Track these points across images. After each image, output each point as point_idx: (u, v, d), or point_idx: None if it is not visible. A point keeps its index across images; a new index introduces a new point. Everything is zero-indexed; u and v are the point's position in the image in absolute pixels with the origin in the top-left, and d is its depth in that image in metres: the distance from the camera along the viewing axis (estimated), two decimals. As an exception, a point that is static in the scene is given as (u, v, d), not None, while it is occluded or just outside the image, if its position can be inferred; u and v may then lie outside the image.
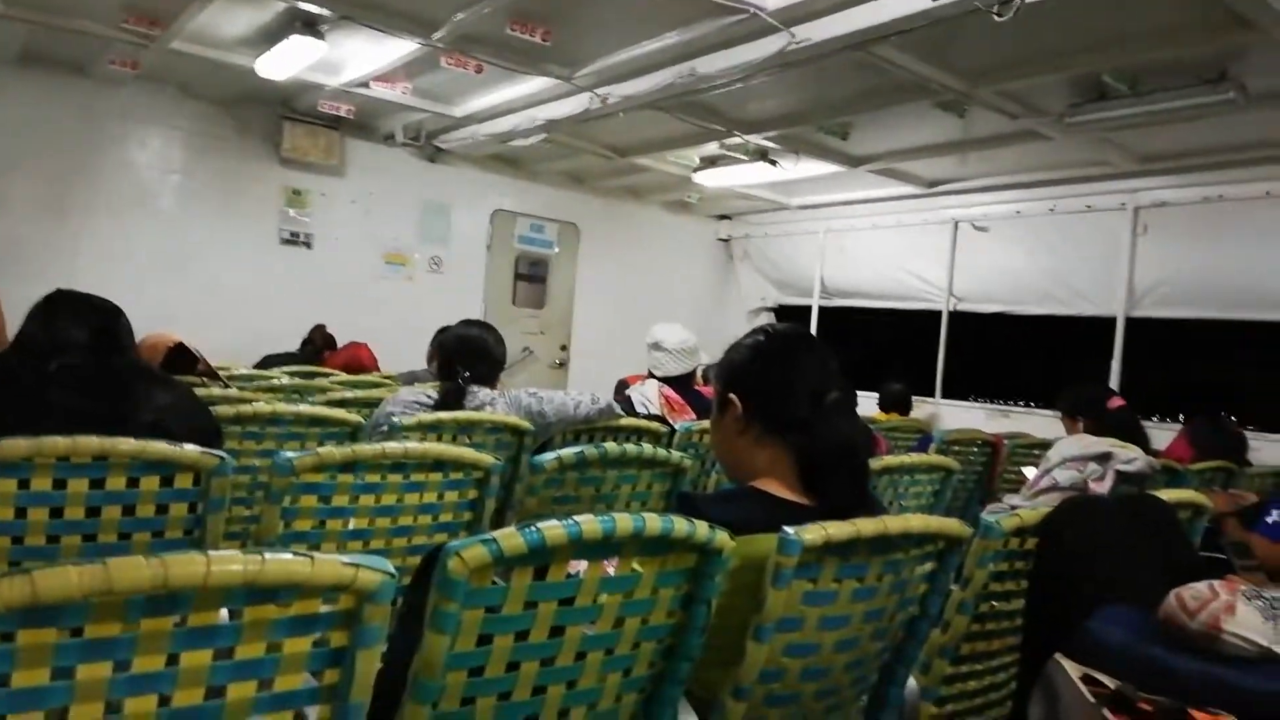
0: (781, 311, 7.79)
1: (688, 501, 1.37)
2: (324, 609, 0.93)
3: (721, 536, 1.22)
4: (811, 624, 1.34)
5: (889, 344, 6.87)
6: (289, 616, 0.91)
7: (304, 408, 2.36)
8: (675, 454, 2.11)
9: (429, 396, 2.58)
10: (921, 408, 6.05)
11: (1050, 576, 1.57)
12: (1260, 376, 4.16)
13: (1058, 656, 1.17)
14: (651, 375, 3.49)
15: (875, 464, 2.40)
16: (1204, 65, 3.55)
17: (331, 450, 1.65)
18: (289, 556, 0.87)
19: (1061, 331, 5.74)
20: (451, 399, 2.55)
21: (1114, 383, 5.25)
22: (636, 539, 1.14)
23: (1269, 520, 2.71)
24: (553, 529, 1.06)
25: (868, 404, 5.55)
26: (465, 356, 2.65)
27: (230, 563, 0.84)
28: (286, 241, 6.02)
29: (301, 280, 6.00)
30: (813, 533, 1.25)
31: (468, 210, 6.66)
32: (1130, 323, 5.29)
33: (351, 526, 1.74)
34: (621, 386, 4.51)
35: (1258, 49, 3.29)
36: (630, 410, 3.16)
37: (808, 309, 7.24)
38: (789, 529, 1.25)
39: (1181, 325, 5.19)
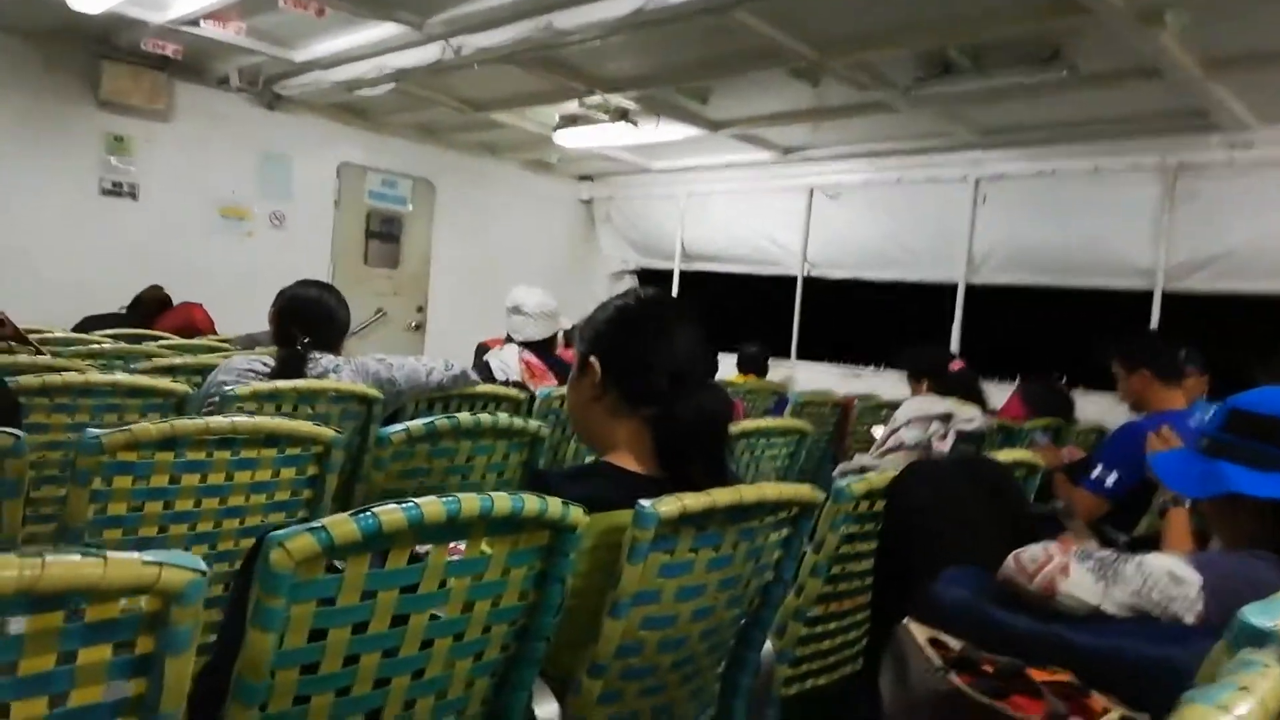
0: (643, 275, 7.80)
1: (540, 479, 1.31)
2: (125, 613, 0.83)
3: (575, 512, 1.17)
4: (668, 595, 1.32)
5: (747, 307, 7.00)
6: (82, 624, 0.80)
7: (121, 377, 2.14)
8: (532, 423, 2.04)
9: (265, 364, 2.40)
10: (778, 369, 6.20)
11: (897, 537, 1.61)
12: (1085, 339, 4.48)
13: (906, 621, 1.19)
14: (511, 340, 3.39)
15: (733, 428, 2.41)
16: (1040, 44, 3.72)
17: (147, 426, 1.49)
18: (76, 558, 0.76)
19: (908, 296, 6.00)
20: (290, 367, 2.38)
21: (954, 345, 5.53)
22: (484, 520, 1.07)
23: (1093, 476, 2.90)
24: (390, 514, 0.98)
25: (726, 365, 5.63)
26: (304, 321, 2.48)
27: (3, 568, 0.73)
28: (108, 192, 5.51)
29: (126, 235, 5.52)
30: (668, 505, 1.22)
31: (312, 162, 6.29)
32: (970, 288, 5.57)
33: (176, 508, 1.59)
34: (482, 350, 4.39)
35: (1089, 32, 3.46)
36: (489, 377, 3.07)
37: (669, 273, 7.27)
38: (644, 502, 1.21)
39: (1016, 291, 5.50)
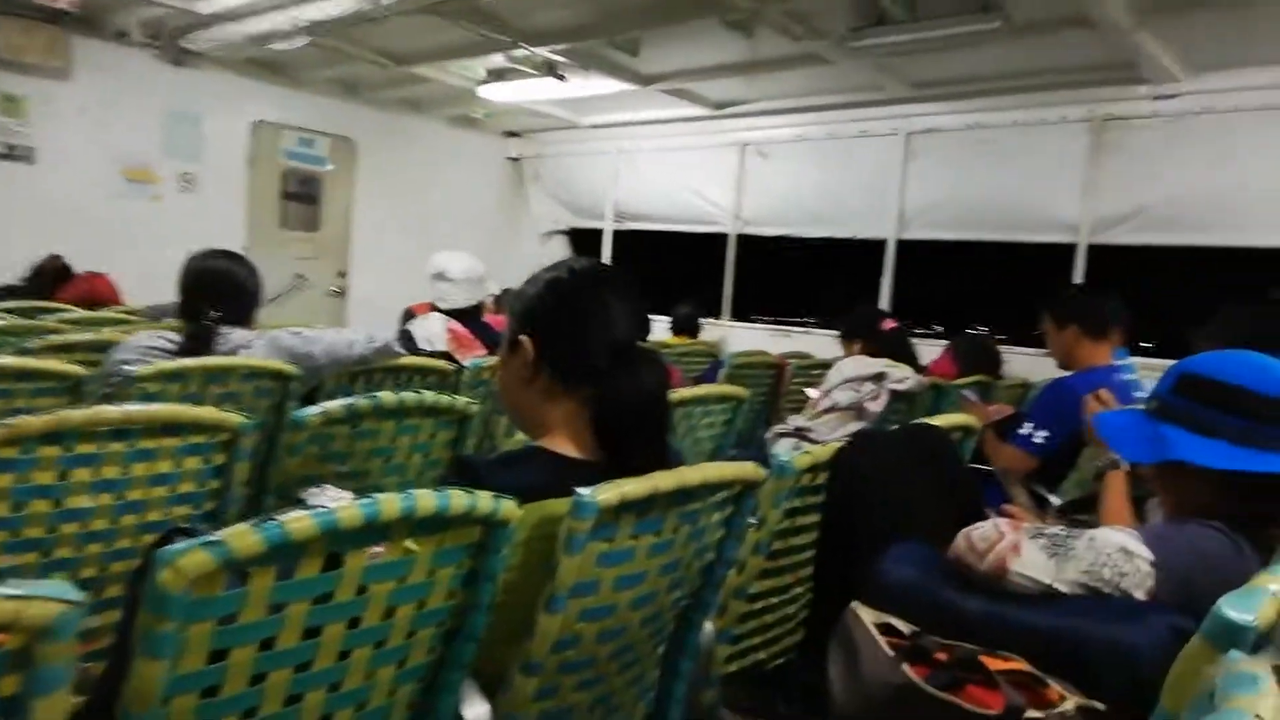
0: (574, 235, 7.65)
1: (467, 468, 1.22)
2: (-19, 652, 0.72)
3: (507, 506, 1.09)
4: (607, 585, 1.25)
5: (679, 266, 6.93)
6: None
7: (7, 360, 1.97)
8: (460, 400, 1.94)
9: (171, 340, 2.24)
10: (710, 330, 6.17)
11: (841, 511, 1.57)
12: (1011, 294, 4.54)
13: (855, 606, 1.14)
14: (435, 308, 3.25)
15: (672, 396, 2.34)
16: (976, -8, 3.69)
17: (29, 420, 1.35)
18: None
19: (839, 253, 6.00)
20: (197, 343, 2.22)
21: (884, 302, 5.56)
22: (407, 521, 0.98)
23: (1022, 432, 2.92)
24: (298, 522, 0.88)
25: (659, 327, 5.57)
26: (210, 293, 2.31)
27: None
28: (1, 156, 5.14)
29: (21, 201, 5.17)
30: (608, 492, 1.15)
31: (223, 121, 5.96)
32: (900, 244, 5.58)
33: (67, 506, 1.46)
34: (408, 316, 4.23)
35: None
36: (413, 347, 2.94)
37: (600, 232, 7.14)
38: (582, 490, 1.14)
39: (945, 246, 5.54)
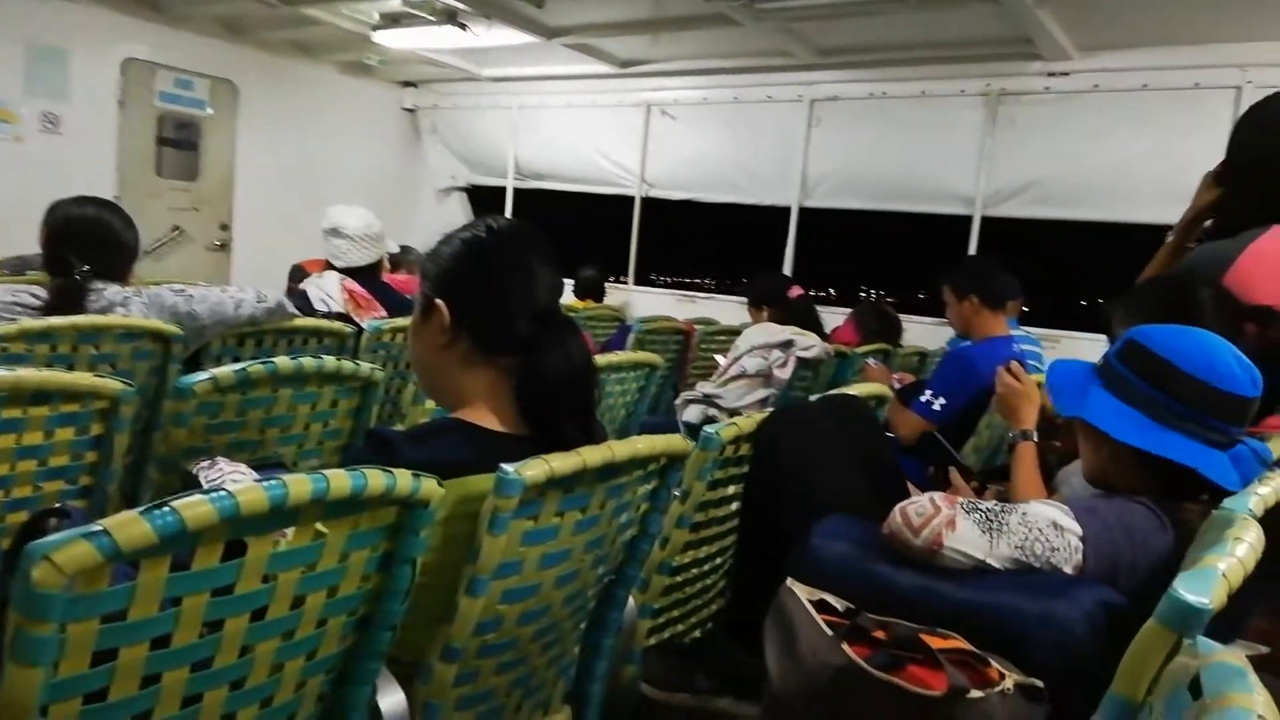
0: (474, 192, 7.43)
1: (382, 442, 1.13)
2: None
3: (427, 485, 1.01)
4: (531, 565, 1.19)
5: (582, 228, 6.83)
6: None
7: None
8: (364, 365, 1.82)
9: (36, 296, 2.03)
10: (614, 294, 6.11)
11: (767, 484, 1.55)
12: (910, 263, 4.64)
13: (790, 583, 1.11)
14: (331, 266, 3.08)
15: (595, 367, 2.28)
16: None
17: None
18: None
19: (743, 219, 6.01)
20: (67, 299, 2.02)
21: (788, 269, 5.60)
22: (318, 504, 0.89)
23: (922, 399, 2.99)
24: (195, 507, 0.78)
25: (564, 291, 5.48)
26: (81, 245, 2.10)
27: None
28: None
29: None
30: (534, 469, 1.08)
31: (91, 58, 5.48)
32: (803, 212, 5.63)
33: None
34: (298, 273, 4.01)
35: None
36: (307, 307, 2.77)
37: (502, 190, 6.95)
38: (507, 467, 1.07)
39: (847, 215, 5.62)
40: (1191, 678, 0.59)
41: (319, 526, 0.95)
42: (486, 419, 1.22)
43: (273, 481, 0.84)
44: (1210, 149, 4.19)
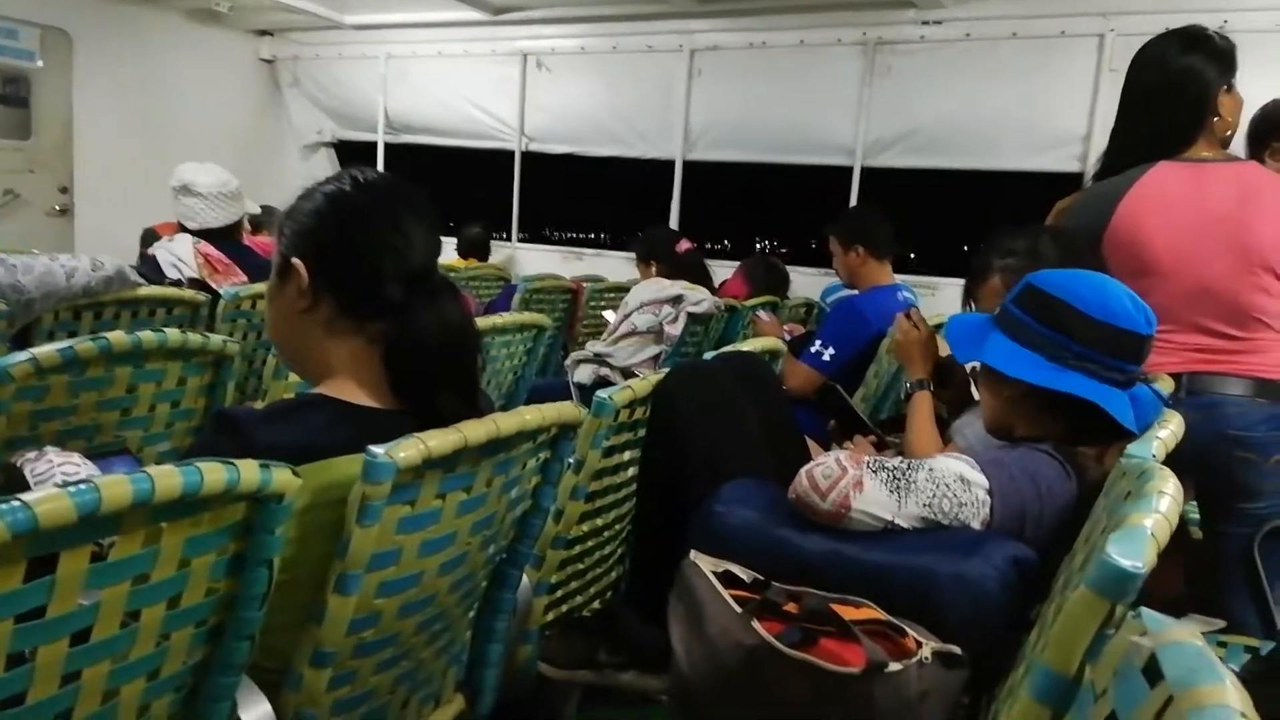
0: (342, 147, 7.03)
1: (229, 426, 0.99)
2: None
3: (280, 476, 0.88)
4: (411, 553, 1.07)
5: (463, 185, 6.57)
6: None
7: None
8: (214, 338, 1.64)
9: None
10: (498, 251, 5.91)
11: (666, 446, 1.47)
12: (797, 215, 4.63)
13: (693, 556, 1.04)
14: (183, 228, 2.81)
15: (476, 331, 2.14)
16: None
17: None
18: None
19: (629, 173, 5.88)
20: None
21: (674, 223, 5.53)
22: (143, 508, 0.75)
23: (812, 350, 2.98)
24: (-24, 526, 0.64)
25: (445, 250, 5.25)
26: None
27: None
28: None
29: None
30: (408, 450, 0.96)
31: (-108, 1, 4.87)
32: (690, 165, 5.55)
33: None
34: (150, 237, 3.68)
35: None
36: (157, 274, 2.52)
37: (373, 145, 6.60)
38: (376, 449, 0.95)
39: (734, 168, 5.56)
40: (1145, 660, 0.53)
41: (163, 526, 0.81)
42: (353, 393, 1.09)
43: (81, 486, 0.70)
44: (1075, 96, 4.28)
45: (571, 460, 1.41)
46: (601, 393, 1.40)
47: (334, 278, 1.09)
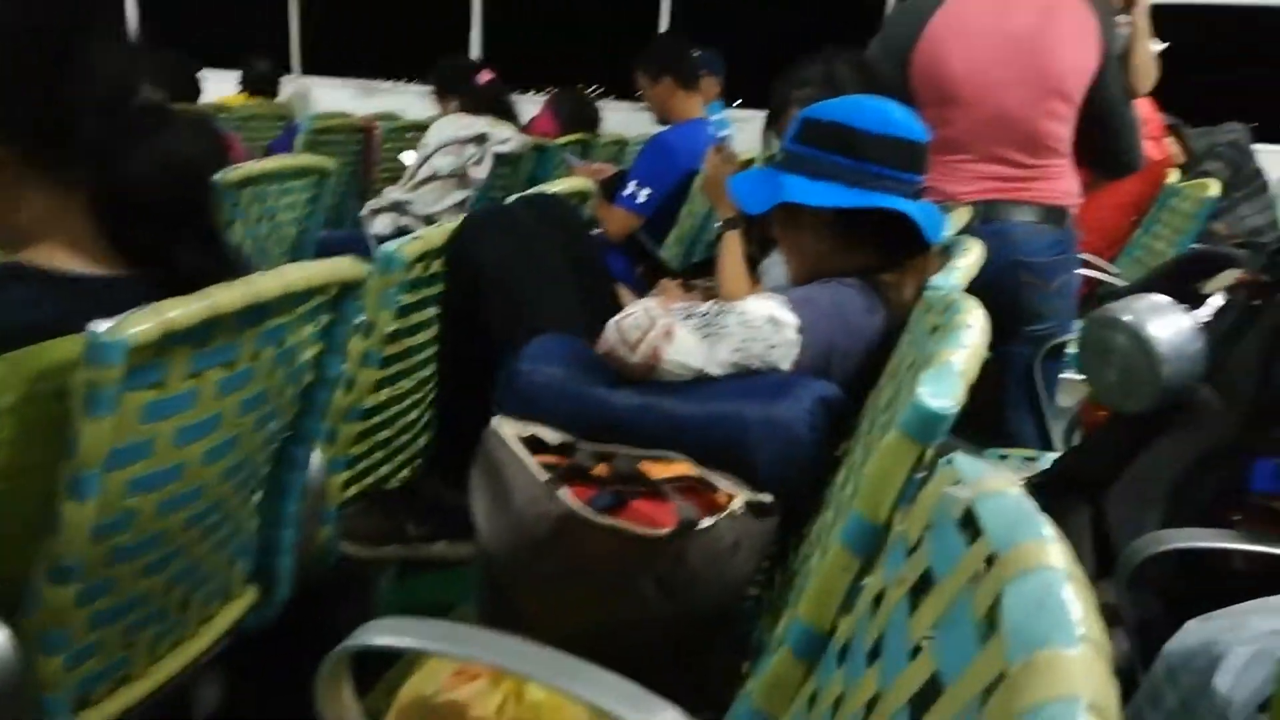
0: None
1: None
2: None
3: (-35, 369, 0.71)
4: (165, 443, 0.93)
5: (233, 9, 5.79)
6: None
7: None
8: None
9: None
10: (285, 86, 5.33)
11: (465, 300, 1.35)
12: (607, 44, 4.38)
13: (496, 423, 0.95)
14: None
15: (233, 174, 1.89)
16: None
17: None
18: None
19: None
20: None
21: (475, 54, 5.15)
22: None
23: (626, 193, 2.88)
24: None
25: (224, 86, 4.63)
26: None
27: None
28: None
29: None
30: (141, 325, 0.81)
31: None
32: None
33: None
34: None
35: None
36: None
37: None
38: (98, 325, 0.78)
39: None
40: (962, 512, 0.49)
41: None
42: (62, 259, 0.90)
43: None
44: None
45: (360, 322, 1.27)
46: (389, 245, 1.26)
47: (9, 117, 0.86)
